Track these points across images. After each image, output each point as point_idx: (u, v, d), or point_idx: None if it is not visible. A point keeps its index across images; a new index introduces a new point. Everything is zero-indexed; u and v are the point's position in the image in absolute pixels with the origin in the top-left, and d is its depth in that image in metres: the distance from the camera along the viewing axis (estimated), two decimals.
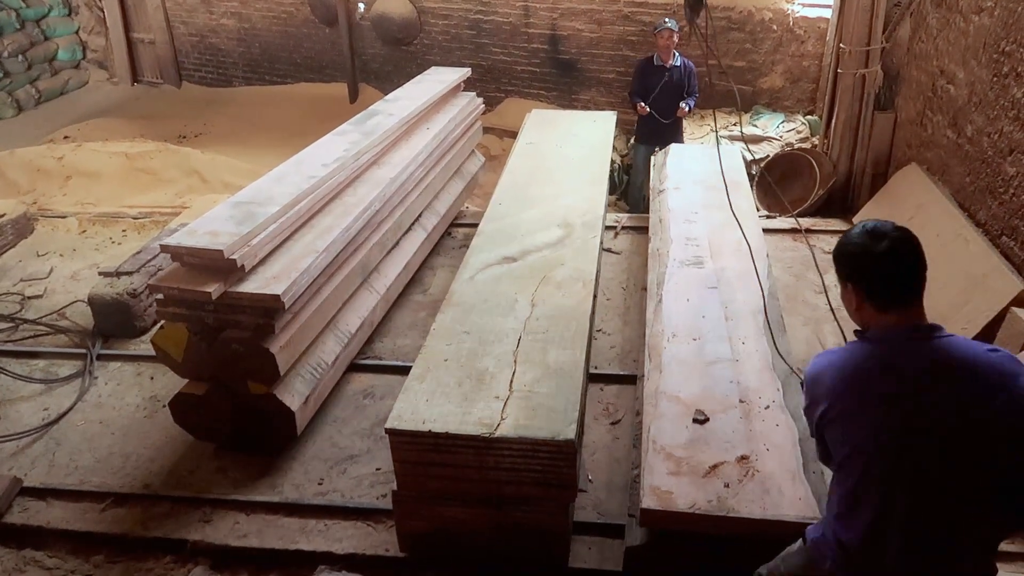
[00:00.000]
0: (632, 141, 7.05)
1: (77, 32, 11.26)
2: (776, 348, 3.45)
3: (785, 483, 2.70)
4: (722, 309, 3.73)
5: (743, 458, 2.81)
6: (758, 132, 7.49)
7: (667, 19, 6.52)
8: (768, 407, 3.06)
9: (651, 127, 6.58)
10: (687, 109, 6.47)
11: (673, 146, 5.88)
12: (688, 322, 3.64)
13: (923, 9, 5.66)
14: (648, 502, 2.64)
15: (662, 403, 3.10)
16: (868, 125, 6.17)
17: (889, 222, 1.98)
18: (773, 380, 3.23)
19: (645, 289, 4.87)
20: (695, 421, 2.99)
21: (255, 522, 3.38)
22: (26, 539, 3.40)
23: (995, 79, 4.52)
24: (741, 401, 3.10)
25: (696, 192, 5.02)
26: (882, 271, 1.92)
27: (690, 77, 6.53)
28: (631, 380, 4.18)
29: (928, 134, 5.49)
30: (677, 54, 6.47)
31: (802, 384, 2.24)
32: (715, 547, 2.69)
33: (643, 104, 6.46)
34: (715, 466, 2.78)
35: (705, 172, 5.31)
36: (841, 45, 5.98)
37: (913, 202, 5.31)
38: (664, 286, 3.95)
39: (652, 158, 6.86)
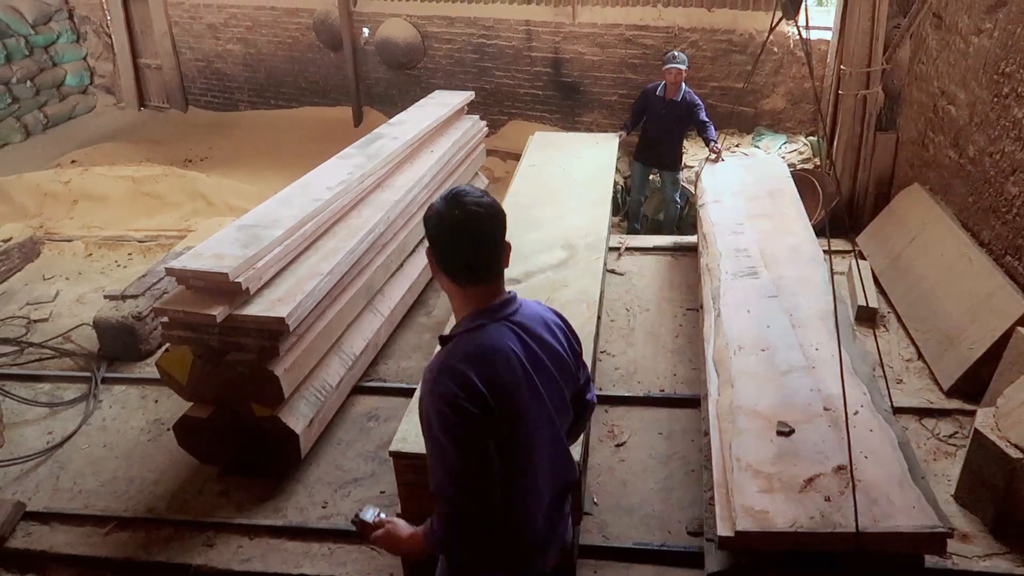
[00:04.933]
0: (631, 160, 7.08)
1: (85, 58, 11.40)
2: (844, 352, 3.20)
3: (893, 491, 2.53)
4: (787, 317, 3.62)
5: (840, 468, 2.63)
6: (760, 153, 7.52)
7: (676, 53, 6.39)
8: (857, 412, 2.88)
9: (649, 148, 6.60)
10: (716, 145, 6.01)
11: (706, 165, 5.80)
12: (753, 333, 3.52)
13: (923, 31, 5.71)
14: (743, 524, 2.46)
15: (740, 418, 2.95)
16: (870, 146, 6.19)
17: (473, 189, 1.89)
18: (858, 384, 3.07)
19: (696, 308, 4.89)
20: (779, 434, 2.83)
21: (259, 546, 3.37)
22: (29, 564, 3.39)
23: (996, 99, 4.54)
24: (826, 409, 2.95)
25: (738, 203, 4.96)
26: (455, 242, 1.84)
27: (694, 110, 6.31)
28: (636, 402, 4.17)
29: (930, 154, 5.51)
30: (683, 87, 6.36)
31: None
32: (808, 566, 2.55)
33: (624, 133, 6.49)
34: (810, 479, 2.62)
35: (742, 183, 5.27)
36: (842, 67, 6.02)
37: (916, 222, 5.31)
38: (721, 299, 3.84)
39: (651, 177, 6.92)
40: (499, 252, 1.89)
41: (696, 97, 6.44)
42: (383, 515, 2.03)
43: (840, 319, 3.50)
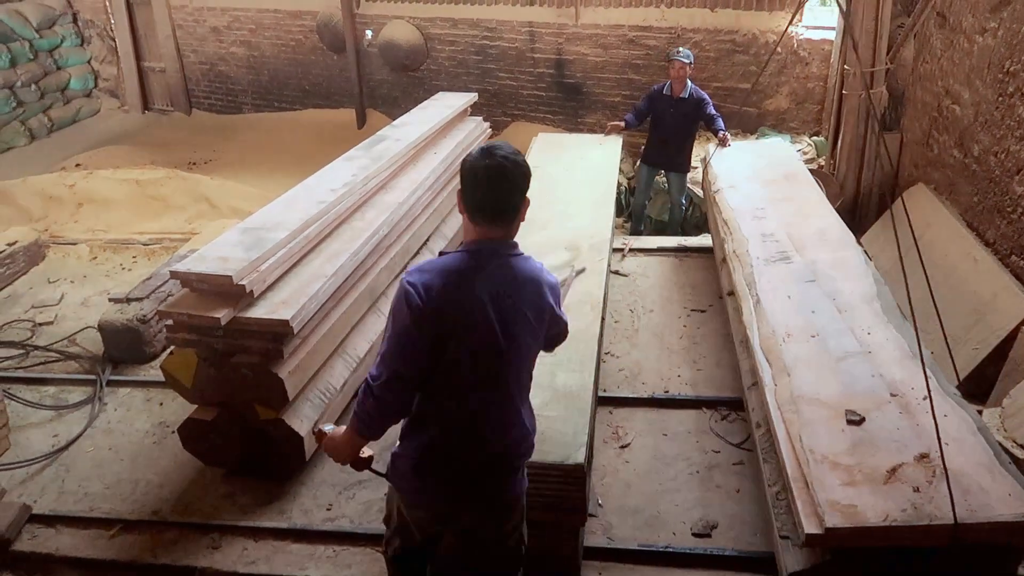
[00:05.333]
0: (638, 163, 7.06)
1: (89, 62, 11.44)
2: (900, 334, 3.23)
3: (983, 479, 2.43)
4: (830, 302, 3.52)
5: (923, 456, 2.54)
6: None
7: (680, 48, 6.38)
8: (927, 397, 2.76)
9: (658, 150, 6.59)
10: (724, 133, 5.99)
11: (715, 150, 5.75)
12: (799, 320, 3.42)
13: (927, 30, 5.69)
14: (832, 520, 2.34)
15: (803, 408, 2.84)
16: (874, 146, 6.18)
17: (508, 146, 2.18)
18: (919, 369, 2.96)
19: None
20: (849, 423, 2.72)
21: (264, 548, 3.37)
22: (35, 567, 3.39)
23: (1000, 99, 4.53)
24: (893, 395, 2.86)
25: (754, 188, 4.90)
26: (477, 186, 2.15)
27: (702, 105, 6.28)
28: (640, 403, 4.16)
29: (935, 154, 5.49)
30: (689, 83, 6.34)
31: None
32: (892, 561, 2.47)
33: (619, 123, 6.39)
34: (893, 470, 2.51)
35: (754, 168, 5.22)
36: (846, 67, 6.01)
37: (921, 222, 5.30)
38: (756, 286, 3.75)
39: (656, 179, 6.90)
40: (510, 202, 2.18)
41: (703, 92, 6.42)
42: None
43: (885, 303, 3.47)
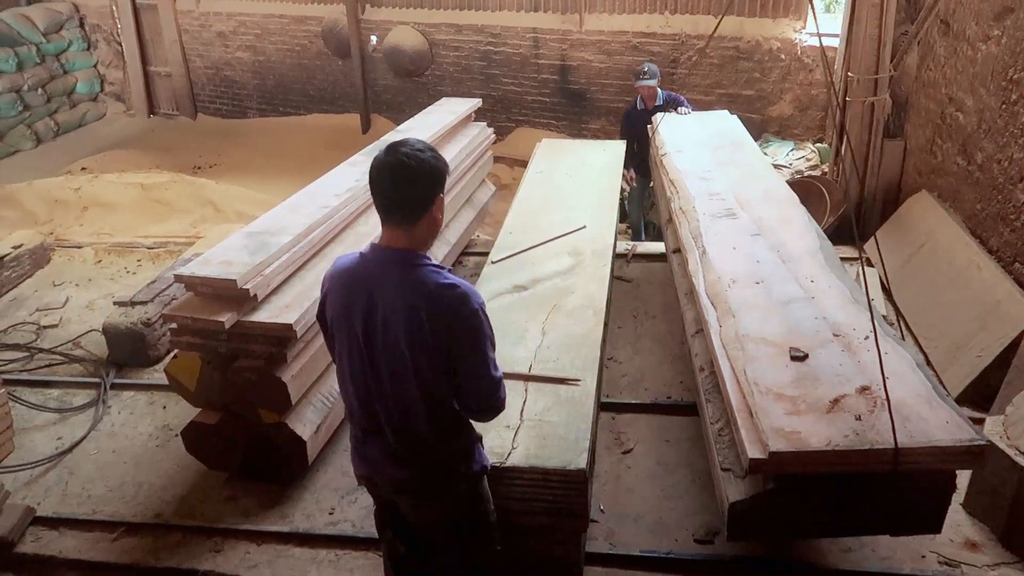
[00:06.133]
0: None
1: (95, 66, 11.51)
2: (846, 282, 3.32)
3: (922, 408, 2.52)
4: (775, 253, 3.63)
5: (864, 389, 2.62)
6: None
7: (647, 67, 6.34)
8: (867, 337, 2.86)
9: (644, 161, 6.57)
10: (686, 110, 6.25)
11: (664, 116, 5.83)
12: (743, 268, 3.52)
13: (930, 38, 5.70)
14: (776, 444, 2.39)
15: (748, 346, 2.92)
16: (878, 153, 6.17)
17: (418, 142, 2.10)
18: (862, 312, 3.07)
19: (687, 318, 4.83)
20: (793, 359, 2.81)
21: (266, 552, 3.37)
22: (38, 569, 3.40)
23: (1004, 106, 4.53)
24: (835, 335, 2.94)
25: (701, 153, 5.04)
26: (378, 183, 2.08)
27: (679, 107, 6.36)
28: (643, 409, 4.16)
29: (938, 161, 5.49)
30: (661, 93, 6.41)
31: None
32: (832, 492, 2.55)
33: (629, 171, 6.39)
34: (836, 400, 2.58)
35: (701, 136, 5.38)
36: (849, 74, 6.01)
37: (924, 229, 5.30)
38: (703, 238, 3.85)
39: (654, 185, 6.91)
40: (410, 201, 2.07)
41: (674, 94, 6.51)
42: None
43: (827, 255, 3.60)
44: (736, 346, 2.95)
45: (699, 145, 5.24)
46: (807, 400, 2.60)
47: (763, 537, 2.77)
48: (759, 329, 3.03)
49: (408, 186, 2.05)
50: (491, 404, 2.23)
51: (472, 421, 2.36)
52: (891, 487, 2.49)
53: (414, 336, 2.08)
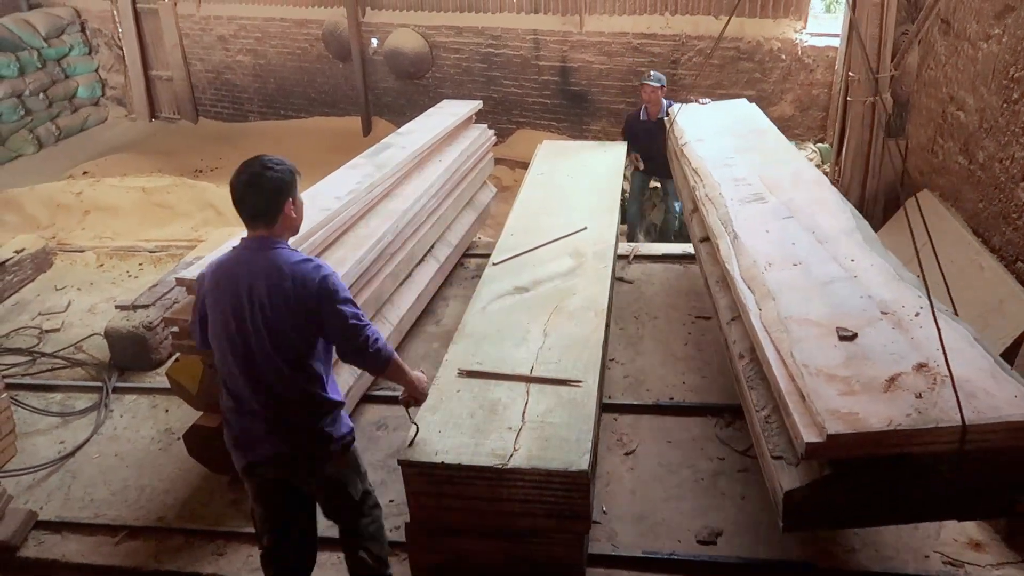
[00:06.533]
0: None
1: (97, 70, 11.53)
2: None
3: (987, 383, 2.38)
4: (810, 235, 3.49)
5: (921, 366, 2.48)
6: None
7: (652, 72, 6.40)
8: (918, 313, 2.74)
9: (645, 163, 6.57)
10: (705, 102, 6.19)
11: (681, 107, 5.79)
12: (778, 251, 3.38)
13: (931, 37, 5.69)
14: (834, 426, 2.25)
15: (793, 327, 2.78)
16: (879, 152, 6.17)
17: (272, 159, 2.59)
18: (910, 288, 2.95)
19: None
20: (842, 339, 2.67)
21: None
22: (41, 573, 3.41)
23: (1005, 105, 4.52)
24: (884, 313, 2.81)
25: (723, 141, 4.91)
26: (235, 194, 2.56)
27: None
28: (645, 410, 4.16)
29: (939, 160, 5.48)
30: (664, 102, 6.36)
31: None
32: (891, 474, 2.40)
33: (636, 155, 6.47)
34: (892, 379, 2.43)
35: (722, 124, 5.25)
36: (850, 73, 6.01)
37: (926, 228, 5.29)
38: (733, 223, 3.71)
39: (656, 186, 6.92)
40: (264, 207, 2.55)
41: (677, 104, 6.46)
42: None
43: (865, 235, 3.44)
44: (779, 328, 2.81)
45: (719, 133, 5.09)
46: (861, 380, 2.47)
47: (820, 527, 2.62)
48: (802, 310, 2.89)
49: (267, 194, 2.54)
50: (360, 344, 2.58)
51: (340, 389, 2.78)
52: (956, 468, 2.34)
53: (278, 306, 2.50)
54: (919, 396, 2.36)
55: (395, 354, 2.69)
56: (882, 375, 2.47)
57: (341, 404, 2.71)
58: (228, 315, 2.53)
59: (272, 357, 2.52)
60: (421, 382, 2.81)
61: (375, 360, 2.64)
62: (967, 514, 2.58)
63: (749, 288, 3.18)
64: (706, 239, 4.14)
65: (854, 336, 2.69)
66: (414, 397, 2.82)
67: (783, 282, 3.12)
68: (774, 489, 2.57)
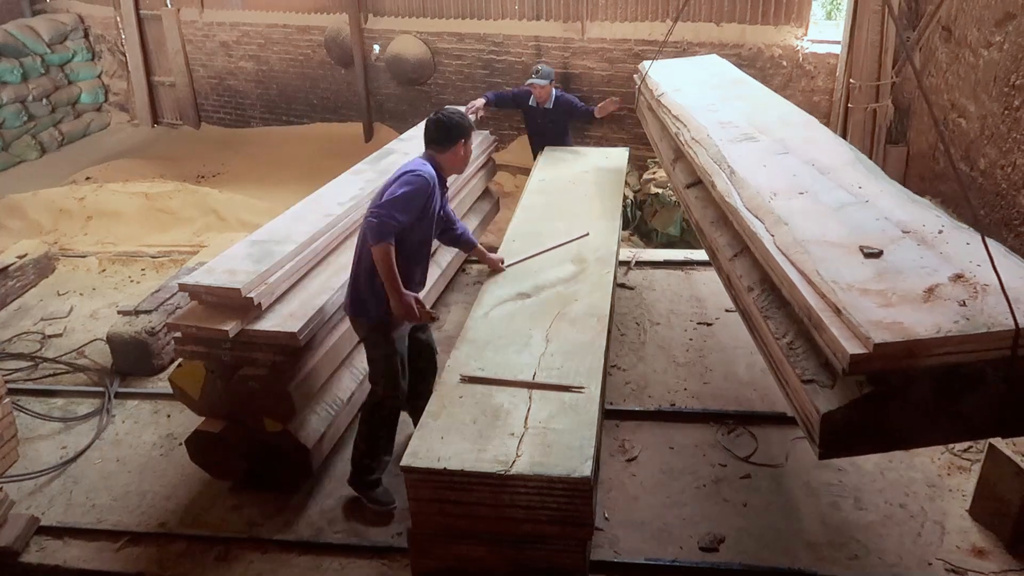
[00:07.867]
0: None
1: (99, 76, 11.55)
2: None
3: None
4: (810, 167, 3.36)
5: (958, 276, 2.38)
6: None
7: (539, 67, 6.20)
8: (941, 231, 2.63)
9: (536, 147, 6.41)
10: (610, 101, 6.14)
11: (652, 63, 5.61)
12: (781, 182, 3.24)
13: (932, 44, 5.71)
14: (880, 335, 2.11)
15: (813, 248, 2.66)
16: (880, 159, 6.19)
17: (455, 110, 3.56)
18: (925, 209, 2.84)
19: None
20: (868, 256, 2.55)
21: (270, 561, 3.37)
22: None
23: (1006, 112, 4.53)
24: (905, 232, 2.70)
25: (702, 90, 4.81)
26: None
27: (571, 110, 6.29)
28: (647, 416, 4.16)
29: (941, 167, 5.50)
30: (554, 92, 6.25)
31: None
32: (936, 388, 2.26)
33: (482, 102, 6.10)
34: (931, 289, 2.33)
35: (698, 76, 5.19)
36: (851, 80, 6.03)
37: None
38: (727, 160, 3.55)
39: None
40: (433, 140, 3.51)
41: (568, 96, 6.40)
42: None
43: (867, 165, 3.34)
44: (799, 250, 2.69)
45: (697, 84, 5.00)
46: (897, 292, 2.35)
47: (858, 451, 2.49)
48: (819, 232, 2.77)
49: (430, 128, 3.49)
50: (368, 215, 3.27)
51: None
52: (1005, 378, 2.23)
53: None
54: (963, 304, 2.25)
55: (389, 252, 3.19)
56: (918, 287, 2.36)
57: (385, 299, 3.35)
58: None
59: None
60: (406, 305, 3.27)
61: (368, 236, 3.23)
62: (1013, 430, 2.46)
63: (757, 217, 3.04)
64: (694, 184, 3.99)
65: (880, 253, 2.58)
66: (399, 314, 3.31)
67: (793, 209, 2.99)
68: (808, 414, 2.42)
